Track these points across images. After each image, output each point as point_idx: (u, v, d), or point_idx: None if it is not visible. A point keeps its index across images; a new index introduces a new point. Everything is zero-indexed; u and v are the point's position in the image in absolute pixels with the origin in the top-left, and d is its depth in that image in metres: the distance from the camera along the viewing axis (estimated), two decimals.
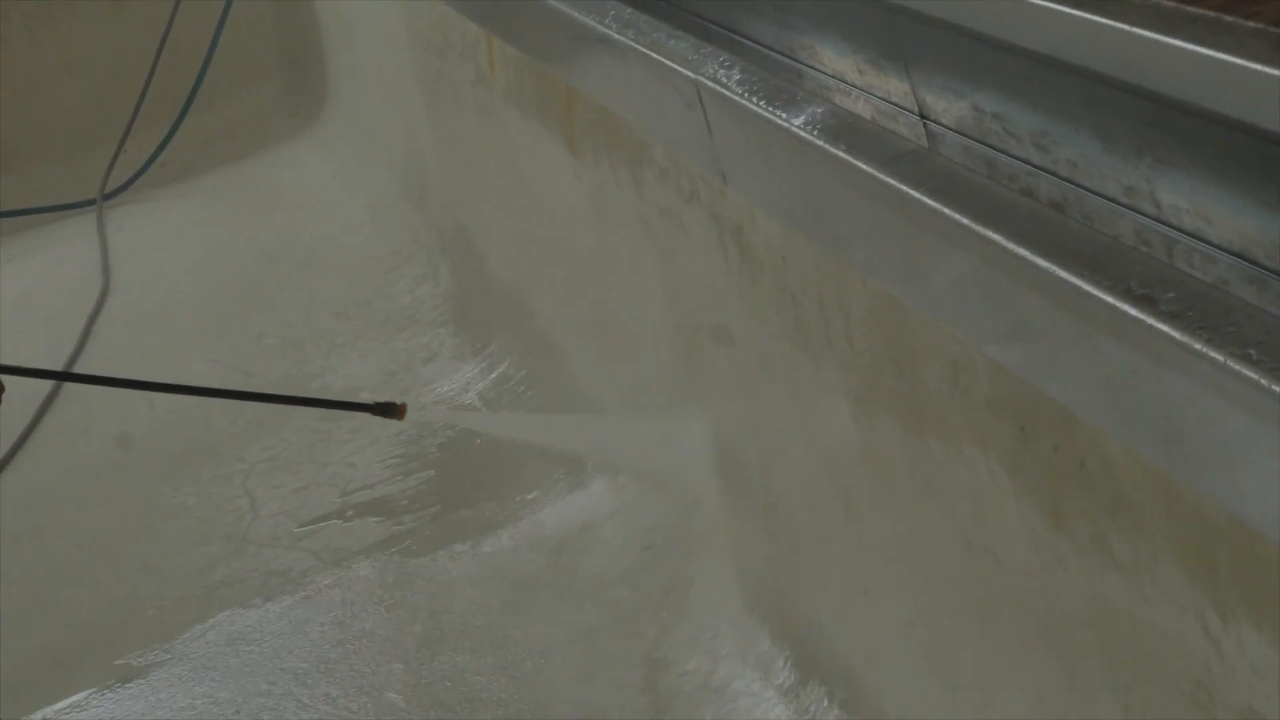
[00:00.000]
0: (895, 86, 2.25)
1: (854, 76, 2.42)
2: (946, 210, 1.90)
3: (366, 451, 4.25)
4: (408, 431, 4.25)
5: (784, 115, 2.42)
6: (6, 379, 3.02)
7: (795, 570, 3.04)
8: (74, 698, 3.56)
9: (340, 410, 3.74)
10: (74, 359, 5.15)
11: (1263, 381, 1.33)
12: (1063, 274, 1.60)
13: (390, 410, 3.42)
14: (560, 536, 3.69)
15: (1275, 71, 1.32)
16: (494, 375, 4.35)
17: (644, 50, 2.96)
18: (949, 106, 2.07)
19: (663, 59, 2.88)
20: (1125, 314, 1.50)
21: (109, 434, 4.66)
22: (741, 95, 2.57)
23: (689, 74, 2.75)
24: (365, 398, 4.41)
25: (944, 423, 2.22)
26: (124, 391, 4.80)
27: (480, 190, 4.54)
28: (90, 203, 6.33)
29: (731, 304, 2.88)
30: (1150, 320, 1.46)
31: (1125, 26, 1.49)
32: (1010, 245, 1.69)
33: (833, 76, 2.50)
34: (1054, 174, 1.75)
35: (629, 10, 3.20)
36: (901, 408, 2.35)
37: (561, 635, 3.39)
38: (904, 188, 2.03)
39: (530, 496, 3.86)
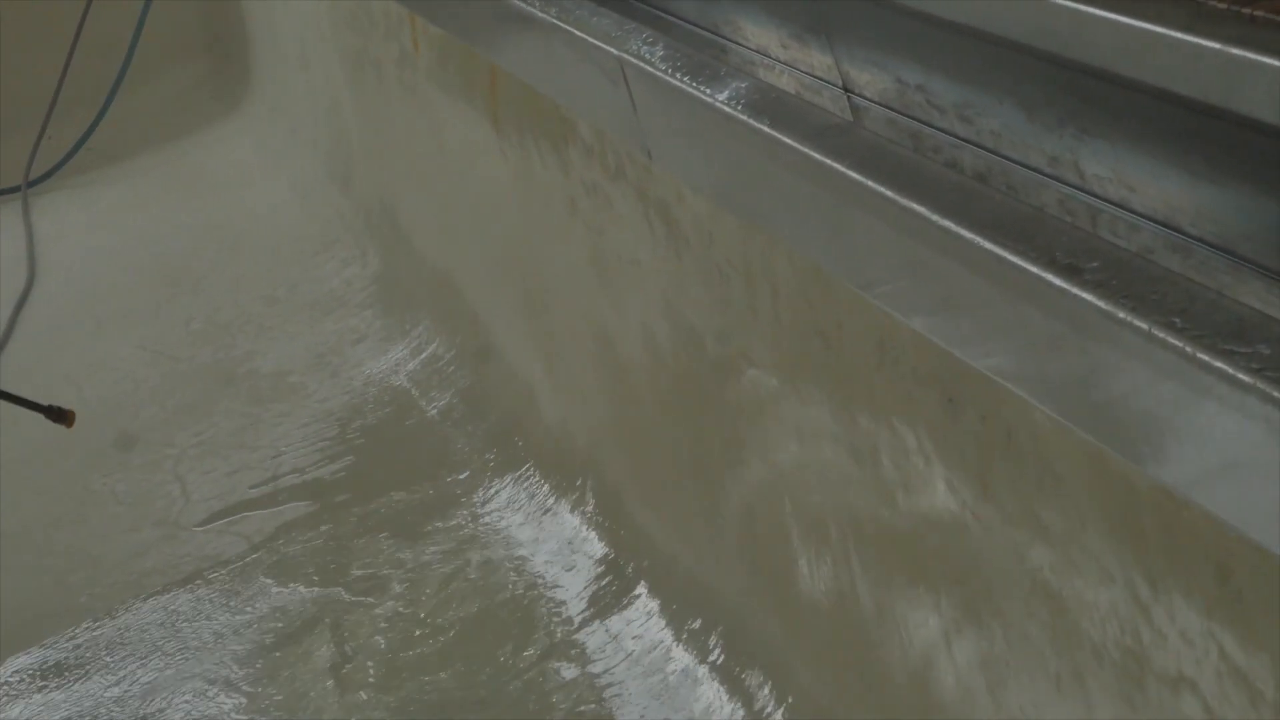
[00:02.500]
0: (819, 60, 2.24)
1: (778, 51, 2.41)
2: (871, 183, 1.90)
3: (294, 435, 4.22)
4: (336, 414, 4.23)
5: (708, 91, 2.41)
6: None
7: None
8: (3, 681, 3.53)
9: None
10: (0, 348, 5.10)
11: (1187, 349, 1.33)
12: (987, 245, 1.60)
13: (60, 416, 3.60)
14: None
15: (1195, 39, 1.32)
16: (423, 356, 4.33)
17: (567, 28, 2.95)
18: (872, 80, 2.07)
19: (586, 36, 2.86)
20: (1050, 284, 1.49)
21: (36, 421, 4.61)
22: (665, 71, 2.56)
23: (612, 50, 2.73)
24: (295, 378, 4.43)
25: (872, 395, 2.22)
26: (53, 377, 4.79)
27: (406, 171, 4.52)
28: (15, 189, 6.27)
29: (659, 279, 2.88)
30: (1075, 290, 1.46)
31: None
32: (935, 217, 1.69)
33: (756, 51, 2.49)
34: (978, 145, 1.75)
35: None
36: (829, 381, 2.35)
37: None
38: (829, 161, 2.02)
39: (462, 477, 3.84)
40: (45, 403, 3.55)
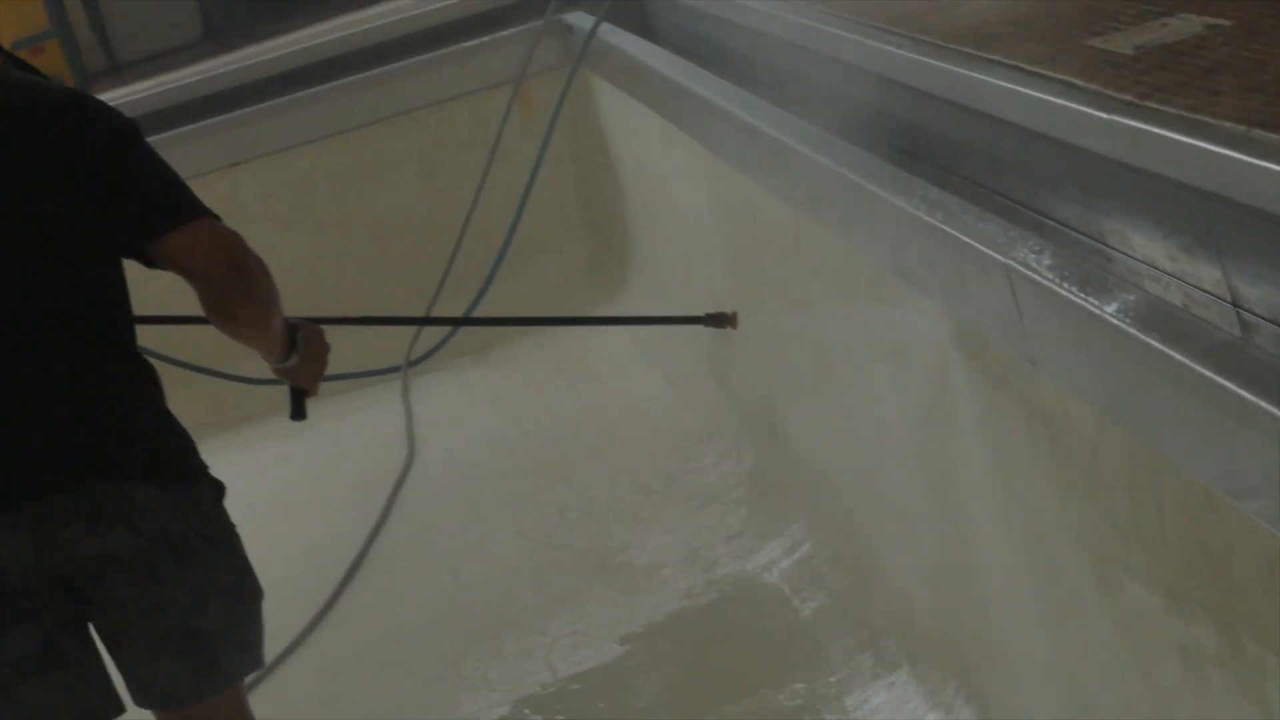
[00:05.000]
0: (1207, 274, 2.29)
1: (1165, 263, 2.47)
2: (1264, 404, 1.93)
3: (666, 628, 4.33)
4: (707, 609, 4.33)
5: (1095, 302, 2.47)
6: None
7: None
8: None
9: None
10: (379, 526, 5.34)
11: None
12: None
13: (721, 320, 3.79)
14: None
15: None
16: (796, 555, 4.40)
17: (953, 232, 3.04)
18: (1263, 295, 2.10)
19: (973, 242, 2.95)
20: None
21: (413, 602, 4.83)
22: (1053, 281, 2.63)
23: (999, 258, 2.82)
24: (669, 570, 4.55)
25: (1259, 620, 2.23)
26: (429, 557, 5.01)
27: (786, 367, 4.62)
28: (396, 369, 6.57)
29: (1041, 489, 2.92)
30: None
31: None
32: None
33: (1143, 262, 2.55)
34: None
35: (936, 191, 3.29)
36: (1214, 602, 2.36)
37: None
38: (1219, 379, 2.06)
39: (833, 680, 3.90)
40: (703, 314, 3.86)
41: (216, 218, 2.91)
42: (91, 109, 2.92)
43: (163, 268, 2.90)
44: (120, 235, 2.87)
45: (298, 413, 3.34)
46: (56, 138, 2.83)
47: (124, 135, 2.89)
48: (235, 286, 2.88)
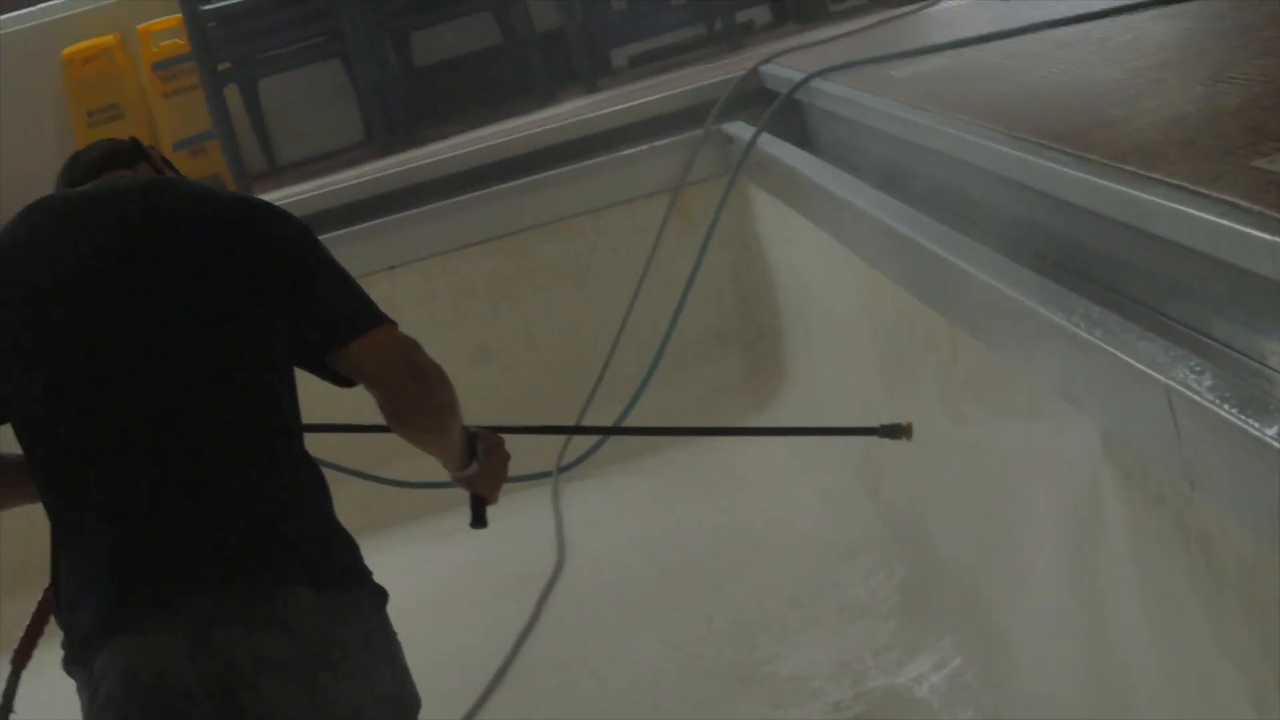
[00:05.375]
0: None
1: None
2: None
3: None
4: (847, 716, 4.32)
5: (1256, 424, 2.47)
6: None
7: None
8: None
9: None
10: (527, 631, 5.37)
11: None
12: None
13: (896, 431, 3.71)
14: None
15: None
16: (946, 670, 4.39)
17: (1113, 350, 3.04)
18: None
19: (1133, 360, 2.95)
20: None
21: (559, 708, 4.86)
22: (1213, 401, 2.62)
23: (1160, 378, 2.81)
24: (816, 683, 4.54)
25: None
26: (576, 666, 5.04)
27: (939, 481, 4.62)
28: (546, 474, 6.62)
29: (1195, 613, 2.90)
30: None
31: None
32: None
33: None
34: None
35: (1097, 308, 3.29)
36: None
37: None
38: None
39: None
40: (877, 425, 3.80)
41: (394, 324, 2.96)
42: (269, 214, 2.99)
43: (333, 375, 2.96)
44: (302, 341, 2.92)
45: (478, 520, 3.36)
46: (237, 243, 2.89)
47: (304, 241, 2.95)
48: (416, 394, 2.93)
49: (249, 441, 2.87)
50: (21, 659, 3.21)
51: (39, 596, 3.17)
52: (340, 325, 2.93)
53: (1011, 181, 4.22)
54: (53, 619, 2.99)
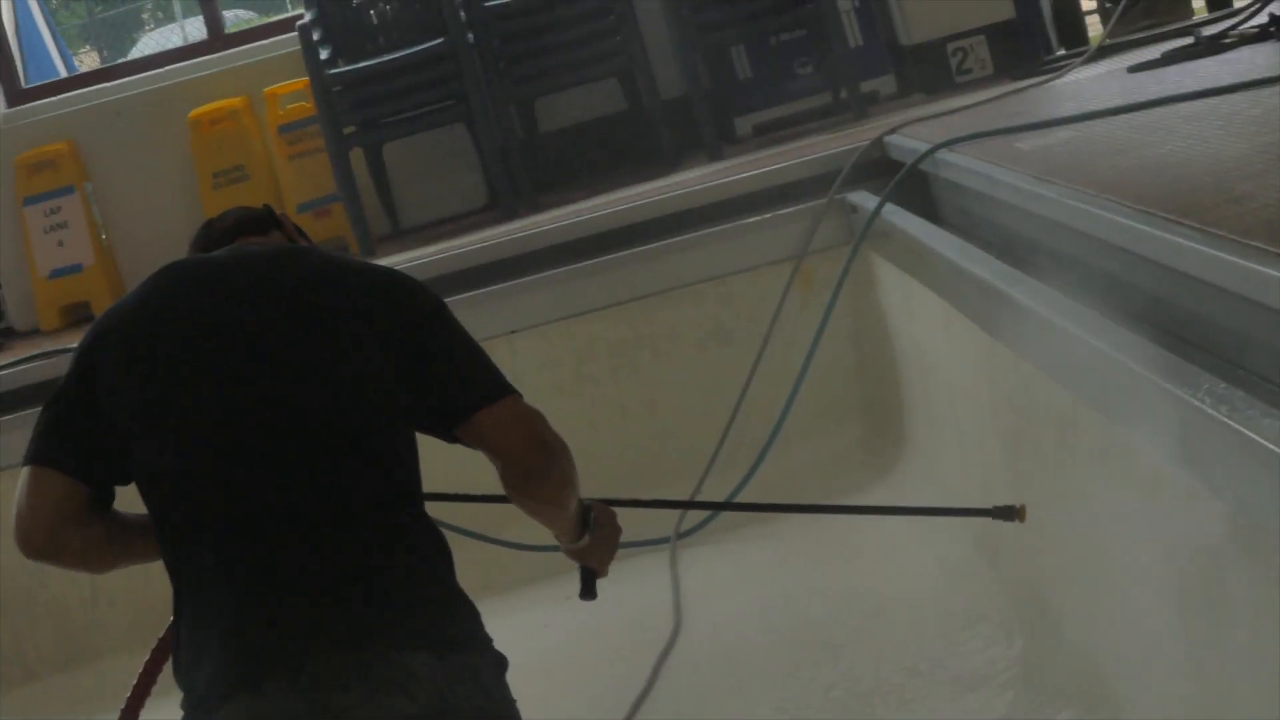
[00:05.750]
0: None
1: None
2: None
3: None
4: None
5: None
6: None
7: None
8: None
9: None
10: (643, 697, 5.39)
11: None
12: None
13: (1009, 514, 3.77)
14: None
15: None
16: None
17: (1237, 427, 3.04)
18: None
19: (1258, 437, 2.95)
20: None
21: None
22: None
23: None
24: None
25: None
26: None
27: (1059, 552, 4.60)
28: (665, 540, 6.63)
29: None
30: None
31: None
32: None
33: None
34: None
35: (1222, 384, 3.29)
36: None
37: None
38: None
39: None
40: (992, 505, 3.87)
41: (519, 395, 3.00)
42: (400, 284, 3.05)
43: (459, 441, 3.00)
44: (429, 410, 2.97)
45: (587, 592, 3.39)
46: (367, 312, 2.95)
47: (433, 311, 3.01)
48: (538, 466, 2.97)
49: (373, 506, 2.92)
50: (131, 716, 3.27)
51: (147, 656, 3.23)
52: (467, 396, 2.98)
53: (1135, 255, 4.22)
54: (168, 677, 3.03)
